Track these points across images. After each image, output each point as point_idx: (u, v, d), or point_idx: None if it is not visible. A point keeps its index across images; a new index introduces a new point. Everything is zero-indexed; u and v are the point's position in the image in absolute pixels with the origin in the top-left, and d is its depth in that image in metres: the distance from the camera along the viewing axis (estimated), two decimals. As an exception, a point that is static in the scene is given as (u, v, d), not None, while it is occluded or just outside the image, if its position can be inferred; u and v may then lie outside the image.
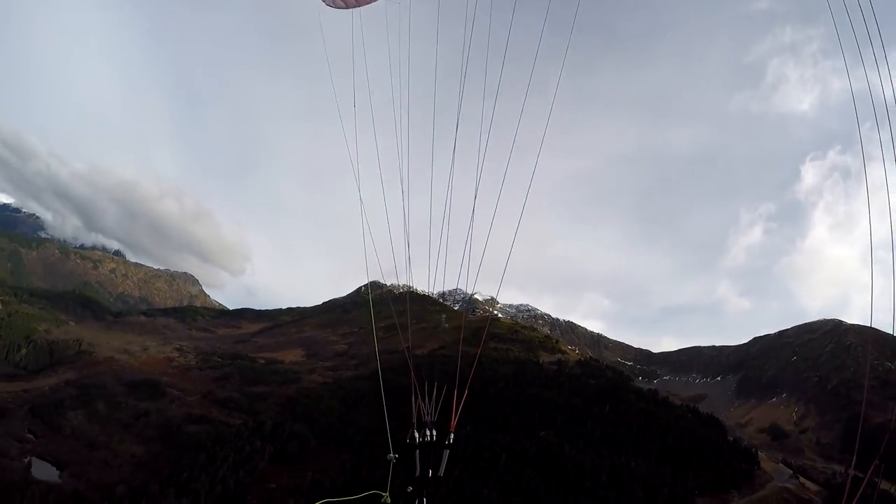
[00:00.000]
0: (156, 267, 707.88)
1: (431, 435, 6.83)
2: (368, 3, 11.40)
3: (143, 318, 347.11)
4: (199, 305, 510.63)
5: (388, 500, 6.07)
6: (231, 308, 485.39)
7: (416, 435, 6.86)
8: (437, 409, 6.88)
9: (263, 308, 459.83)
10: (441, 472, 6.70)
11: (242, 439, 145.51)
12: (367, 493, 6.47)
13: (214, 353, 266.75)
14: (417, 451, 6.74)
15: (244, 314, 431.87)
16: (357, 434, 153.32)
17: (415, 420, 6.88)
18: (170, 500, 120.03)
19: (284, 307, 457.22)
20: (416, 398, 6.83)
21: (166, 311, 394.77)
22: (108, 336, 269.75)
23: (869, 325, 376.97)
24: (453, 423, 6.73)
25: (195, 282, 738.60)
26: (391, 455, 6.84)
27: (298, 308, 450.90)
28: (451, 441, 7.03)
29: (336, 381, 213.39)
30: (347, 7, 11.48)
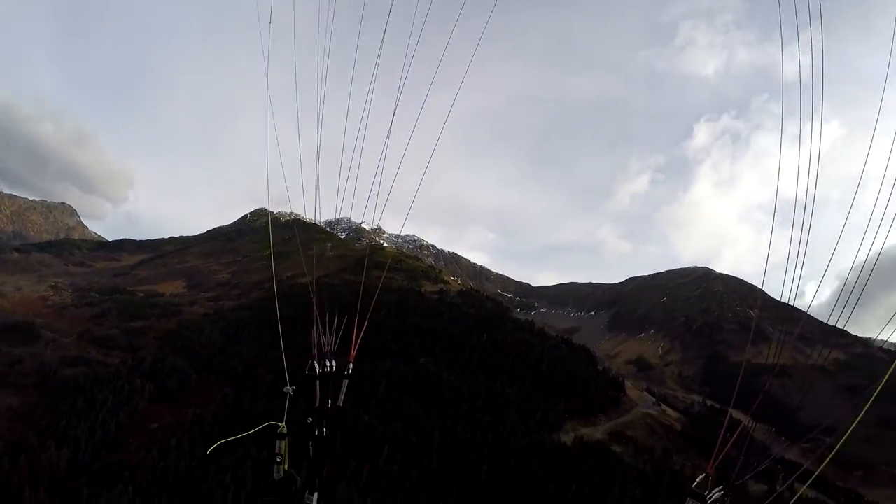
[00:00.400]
0: (31, 198, 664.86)
1: (331, 365, 6.93)
2: None
3: (15, 254, 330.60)
4: (76, 238, 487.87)
5: (285, 430, 6.05)
6: (111, 240, 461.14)
7: (317, 366, 6.92)
8: (338, 339, 7.06)
9: (145, 238, 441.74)
10: (340, 402, 6.78)
11: (121, 379, 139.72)
12: (264, 426, 6.42)
13: (91, 288, 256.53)
14: (318, 382, 6.87)
15: (124, 245, 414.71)
16: (238, 366, 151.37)
17: (315, 351, 6.90)
18: (49, 451, 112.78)
19: (167, 237, 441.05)
20: (318, 329, 6.86)
21: (41, 246, 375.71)
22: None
23: (735, 275, 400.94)
24: (353, 353, 6.87)
25: (73, 213, 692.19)
26: (288, 388, 6.81)
27: (181, 237, 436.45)
28: (350, 371, 7.30)
29: (217, 313, 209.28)
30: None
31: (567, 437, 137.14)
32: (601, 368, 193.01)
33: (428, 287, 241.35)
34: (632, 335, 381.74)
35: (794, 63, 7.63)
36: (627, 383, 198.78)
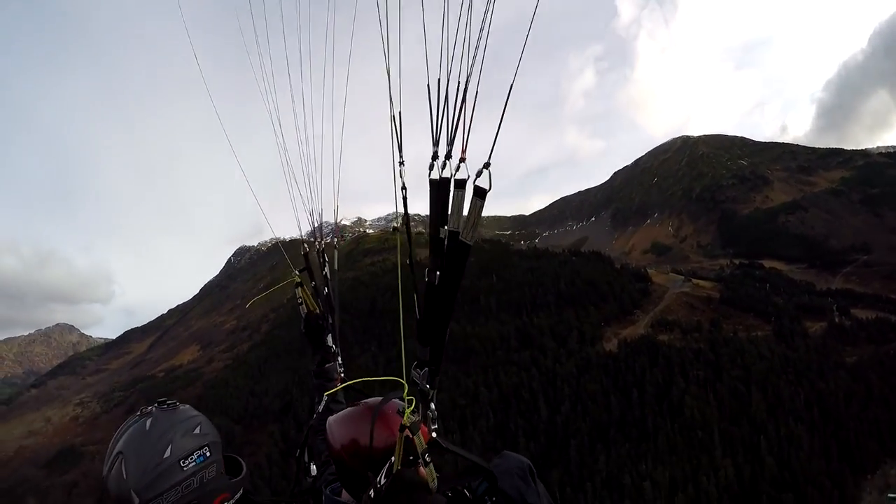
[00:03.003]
0: (26, 333, 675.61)
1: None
2: None
3: (33, 391, 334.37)
4: (84, 350, 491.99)
5: (298, 279, 5.56)
6: (115, 337, 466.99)
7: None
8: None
9: (147, 321, 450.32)
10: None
11: None
12: (287, 282, 5.87)
13: (114, 389, 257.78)
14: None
15: (129, 337, 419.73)
16: (273, 401, 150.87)
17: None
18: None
19: (166, 311, 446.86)
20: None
21: (53, 373, 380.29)
22: (7, 428, 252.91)
23: (714, 133, 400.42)
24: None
25: (71, 329, 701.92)
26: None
27: (179, 306, 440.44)
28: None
29: (235, 360, 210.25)
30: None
31: (611, 345, 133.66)
32: (619, 266, 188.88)
33: (424, 254, 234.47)
34: (638, 226, 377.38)
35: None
36: (650, 271, 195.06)
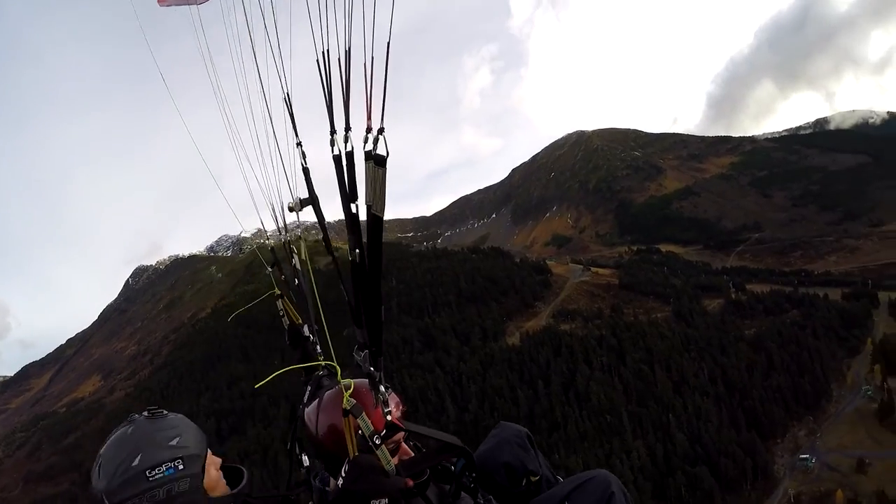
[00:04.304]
0: None
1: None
2: None
3: None
4: None
5: (278, 291, 4.90)
6: (13, 374, 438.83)
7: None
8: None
9: (46, 353, 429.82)
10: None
11: (78, 500, 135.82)
12: (266, 295, 5.14)
13: (15, 430, 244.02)
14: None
15: (28, 372, 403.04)
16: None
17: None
18: None
19: (65, 341, 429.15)
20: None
21: None
22: None
23: (607, 126, 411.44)
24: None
25: None
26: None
27: (78, 335, 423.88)
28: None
29: (137, 387, 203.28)
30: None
31: (514, 339, 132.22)
32: (519, 260, 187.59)
33: (324, 261, 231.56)
34: (538, 220, 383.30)
35: None
36: (549, 262, 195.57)
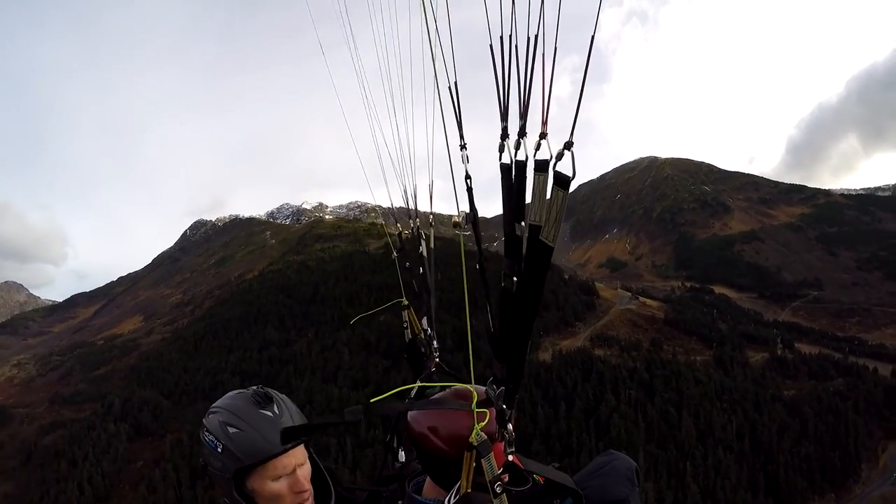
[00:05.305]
0: None
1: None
2: None
3: None
4: (28, 311, 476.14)
5: (405, 302, 5.14)
6: (62, 300, 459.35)
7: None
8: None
9: (96, 287, 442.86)
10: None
11: (96, 429, 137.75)
12: (392, 303, 5.19)
13: (52, 353, 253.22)
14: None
15: (76, 301, 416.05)
16: (205, 378, 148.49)
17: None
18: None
19: (116, 278, 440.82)
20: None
21: None
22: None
23: (681, 157, 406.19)
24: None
25: (19, 288, 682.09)
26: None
27: (129, 274, 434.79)
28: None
29: (174, 334, 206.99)
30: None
31: (546, 355, 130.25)
32: (567, 277, 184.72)
33: (373, 244, 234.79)
34: (596, 239, 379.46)
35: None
36: (599, 284, 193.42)
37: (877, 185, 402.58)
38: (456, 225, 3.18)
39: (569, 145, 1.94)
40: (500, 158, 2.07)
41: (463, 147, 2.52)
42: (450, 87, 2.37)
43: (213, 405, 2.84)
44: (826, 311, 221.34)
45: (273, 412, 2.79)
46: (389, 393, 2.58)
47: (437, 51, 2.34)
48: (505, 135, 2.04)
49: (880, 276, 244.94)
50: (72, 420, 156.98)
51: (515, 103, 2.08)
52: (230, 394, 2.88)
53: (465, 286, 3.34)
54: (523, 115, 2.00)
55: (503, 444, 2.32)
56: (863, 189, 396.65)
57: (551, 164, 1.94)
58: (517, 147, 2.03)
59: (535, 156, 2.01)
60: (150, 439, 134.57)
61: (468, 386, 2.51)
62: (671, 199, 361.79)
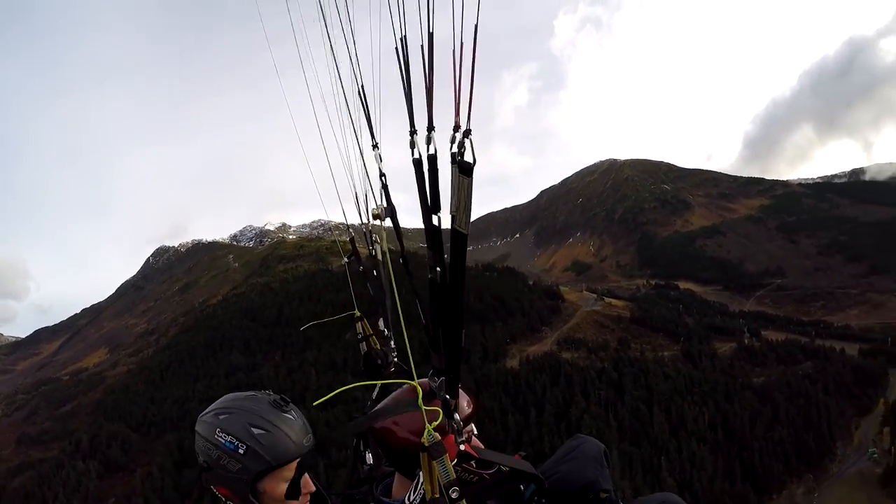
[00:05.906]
0: None
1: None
2: None
3: None
4: None
5: (358, 314, 5.20)
6: (25, 336, 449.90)
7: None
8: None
9: (59, 320, 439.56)
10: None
11: (65, 468, 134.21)
12: (345, 315, 5.37)
13: (17, 392, 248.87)
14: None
15: (40, 336, 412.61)
16: (172, 408, 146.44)
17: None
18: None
19: (80, 311, 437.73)
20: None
21: None
22: None
23: (640, 157, 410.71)
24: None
25: None
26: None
27: (93, 306, 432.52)
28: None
29: (139, 364, 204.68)
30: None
31: (514, 362, 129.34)
32: (531, 282, 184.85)
33: (337, 262, 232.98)
34: (561, 244, 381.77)
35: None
36: (564, 288, 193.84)
37: (833, 172, 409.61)
38: (376, 216, 3.29)
39: (467, 133, 1.94)
40: (413, 154, 2.10)
41: (375, 146, 2.74)
42: (358, 91, 2.61)
43: (219, 407, 2.77)
44: (790, 297, 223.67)
45: (292, 415, 2.80)
46: (332, 393, 2.62)
47: (343, 56, 2.51)
48: (414, 131, 2.09)
49: (841, 259, 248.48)
50: (40, 460, 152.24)
51: (423, 100, 2.08)
52: (236, 396, 2.82)
53: (393, 281, 3.66)
54: (429, 110, 2.05)
55: (453, 434, 2.38)
56: (819, 177, 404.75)
57: (450, 153, 2.01)
58: (428, 142, 2.06)
59: (450, 149, 2.01)
60: (121, 475, 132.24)
61: (412, 382, 2.56)
62: (632, 199, 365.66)
